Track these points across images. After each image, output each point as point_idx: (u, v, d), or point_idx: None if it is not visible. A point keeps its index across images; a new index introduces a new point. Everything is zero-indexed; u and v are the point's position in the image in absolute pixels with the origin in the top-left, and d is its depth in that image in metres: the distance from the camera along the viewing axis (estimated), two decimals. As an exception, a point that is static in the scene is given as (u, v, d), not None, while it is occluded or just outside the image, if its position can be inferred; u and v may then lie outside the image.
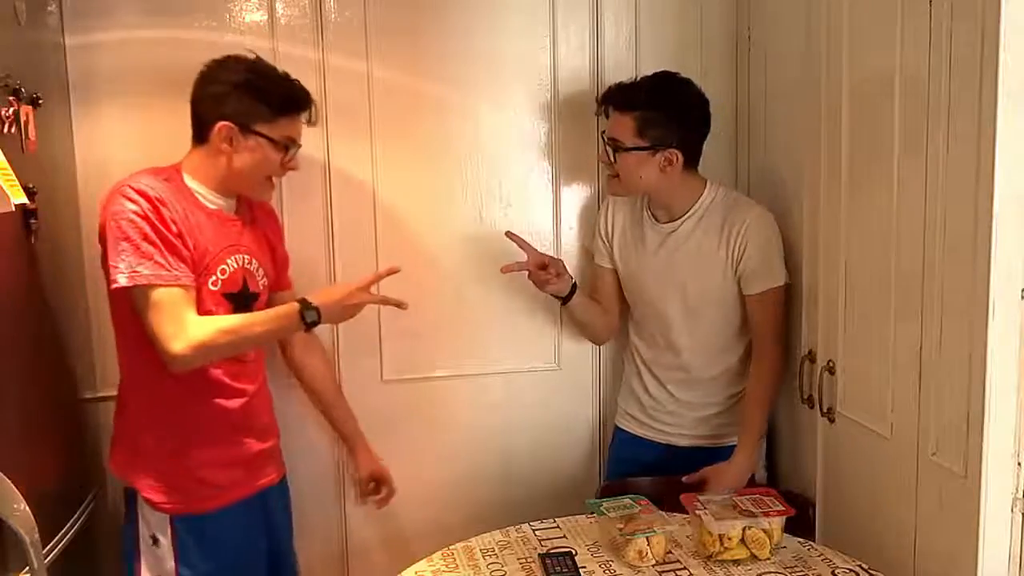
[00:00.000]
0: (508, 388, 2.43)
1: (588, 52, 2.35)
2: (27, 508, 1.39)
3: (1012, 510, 1.46)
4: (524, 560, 1.73)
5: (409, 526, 2.37)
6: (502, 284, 2.37)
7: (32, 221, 1.78)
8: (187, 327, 1.71)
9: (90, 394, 2.15)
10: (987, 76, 1.38)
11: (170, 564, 1.83)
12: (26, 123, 1.75)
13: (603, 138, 2.13)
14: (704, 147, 2.16)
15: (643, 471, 2.20)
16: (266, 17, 2.18)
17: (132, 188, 1.73)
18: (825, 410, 1.96)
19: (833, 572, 1.69)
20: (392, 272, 1.89)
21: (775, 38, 2.23)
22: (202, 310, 1.79)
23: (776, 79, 2.23)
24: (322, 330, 2.22)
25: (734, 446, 2.17)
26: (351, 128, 2.25)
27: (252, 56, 1.86)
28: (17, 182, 1.60)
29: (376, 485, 2.22)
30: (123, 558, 1.89)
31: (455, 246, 2.35)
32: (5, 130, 1.66)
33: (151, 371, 1.77)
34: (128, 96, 2.12)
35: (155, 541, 1.83)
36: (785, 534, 1.78)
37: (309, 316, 1.77)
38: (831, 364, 1.93)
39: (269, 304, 1.97)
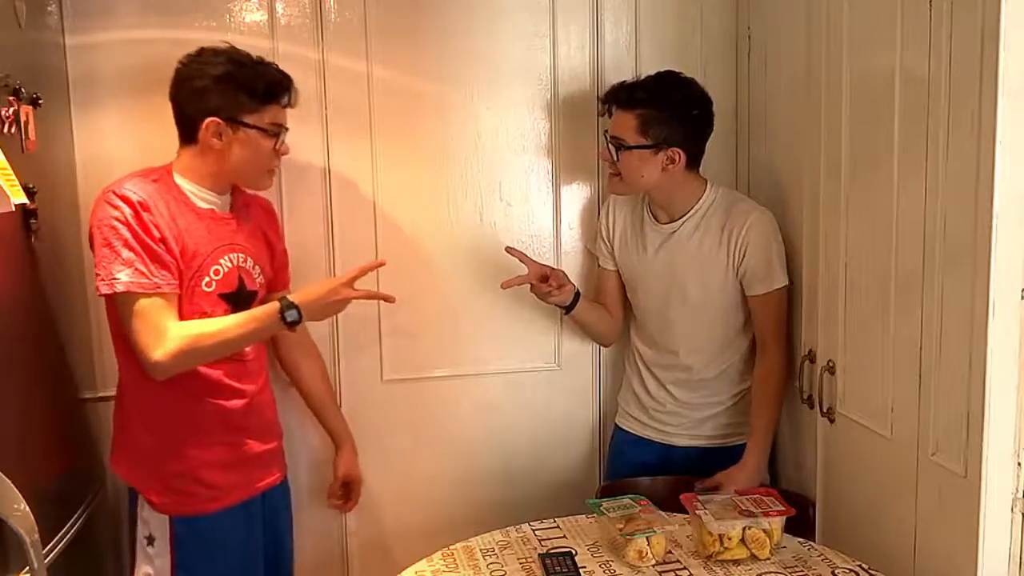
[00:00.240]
0: (508, 388, 2.43)
1: (588, 52, 2.35)
2: (27, 508, 1.39)
3: (1012, 510, 1.46)
4: (524, 560, 1.73)
5: (409, 526, 2.37)
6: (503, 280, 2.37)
7: (32, 221, 1.78)
8: (165, 335, 1.70)
9: (90, 394, 2.15)
10: (987, 76, 1.38)
11: (166, 565, 1.82)
12: (26, 123, 1.75)
13: (606, 137, 2.13)
14: (705, 147, 2.16)
15: (643, 471, 2.20)
16: (266, 17, 2.18)
17: (115, 194, 1.72)
18: (825, 410, 1.96)
19: (833, 572, 1.69)
20: (378, 266, 1.88)
21: (775, 38, 2.23)
22: (198, 312, 1.79)
23: (776, 79, 2.23)
24: (322, 331, 2.24)
25: (734, 446, 2.17)
26: (351, 128, 2.25)
27: (226, 46, 1.83)
28: (17, 182, 1.59)
29: (345, 489, 2.21)
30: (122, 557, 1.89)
31: (455, 246, 2.35)
32: (5, 130, 1.66)
33: (146, 373, 1.77)
34: (128, 96, 2.12)
35: (151, 541, 1.83)
36: (785, 534, 1.78)
37: (290, 315, 1.75)
38: (831, 364, 1.93)
39: (265, 303, 1.97)
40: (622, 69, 2.31)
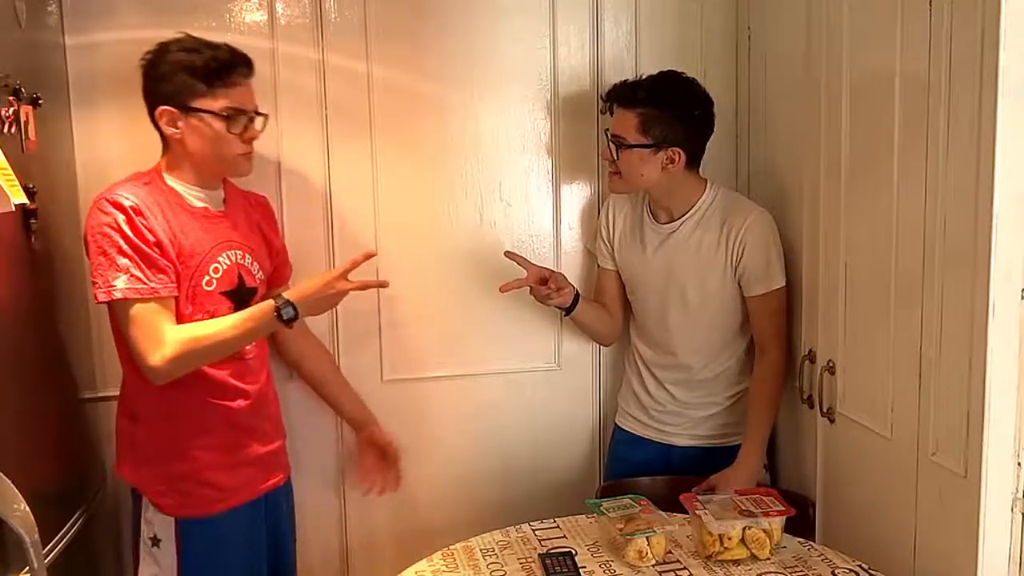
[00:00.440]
0: (508, 388, 2.43)
1: (588, 52, 2.35)
2: (27, 508, 1.39)
3: (1012, 510, 1.46)
4: (524, 560, 1.73)
5: (409, 526, 2.37)
6: (502, 283, 2.37)
7: (32, 221, 1.77)
8: (162, 339, 1.70)
9: (90, 394, 2.15)
10: (987, 76, 1.38)
11: (172, 566, 1.82)
12: (26, 123, 1.75)
13: (606, 135, 2.13)
14: (705, 147, 2.16)
15: (643, 471, 2.20)
16: (266, 17, 2.18)
17: (107, 200, 1.72)
18: (825, 410, 1.96)
19: (833, 572, 1.69)
20: (369, 256, 1.85)
21: (775, 38, 2.23)
22: (203, 312, 1.79)
23: (776, 79, 2.23)
24: (322, 331, 2.24)
25: (734, 446, 2.17)
26: (351, 128, 2.25)
27: (181, 35, 1.81)
28: (17, 182, 1.59)
29: (385, 464, 2.18)
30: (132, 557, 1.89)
31: (455, 246, 2.35)
32: (5, 130, 1.66)
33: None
34: (128, 96, 2.09)
35: (156, 542, 1.83)
36: (785, 534, 1.78)
37: (286, 313, 1.74)
38: (831, 364, 1.93)
39: (267, 299, 1.97)
40: (622, 69, 2.31)
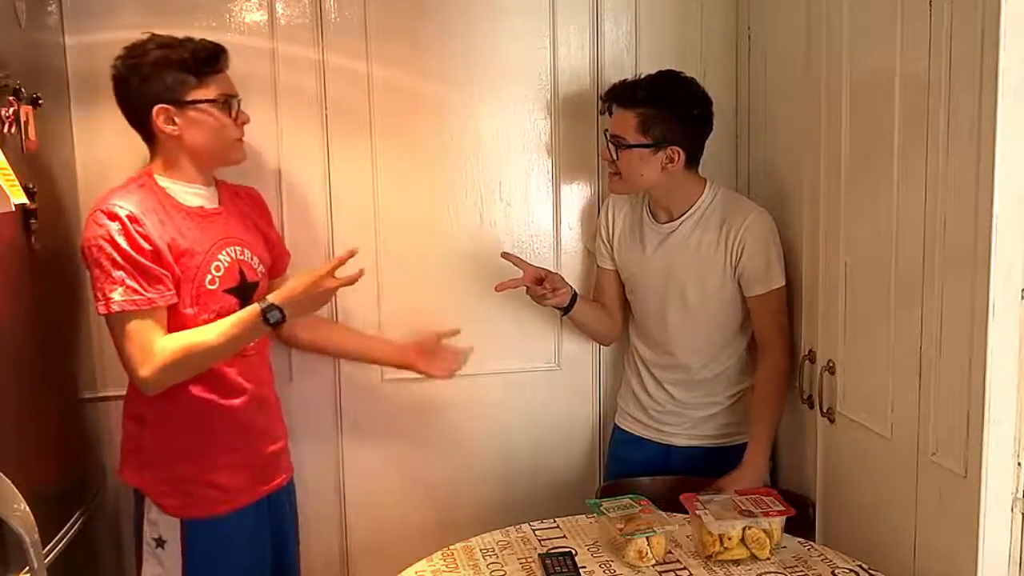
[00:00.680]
0: (508, 388, 2.43)
1: (588, 52, 2.35)
2: (27, 508, 1.39)
3: (1012, 510, 1.46)
4: (524, 560, 1.73)
5: (409, 526, 2.37)
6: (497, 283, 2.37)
7: (32, 221, 1.77)
8: (152, 351, 1.70)
9: (90, 394, 2.15)
10: (987, 76, 1.38)
11: (177, 567, 1.82)
12: (26, 123, 1.75)
13: (606, 136, 2.13)
14: (704, 146, 2.15)
15: (643, 471, 2.19)
16: (266, 17, 2.18)
17: (102, 211, 1.71)
18: (825, 410, 1.96)
19: (833, 572, 1.69)
20: (352, 254, 1.82)
21: (775, 38, 2.23)
22: (209, 312, 1.79)
23: (776, 79, 2.23)
24: (322, 330, 2.23)
25: (734, 446, 2.17)
26: (351, 128, 2.25)
27: (147, 35, 1.81)
28: (17, 182, 1.59)
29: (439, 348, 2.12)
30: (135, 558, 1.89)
31: (455, 246, 2.35)
32: (5, 130, 1.66)
33: None
34: (128, 96, 2.11)
35: (160, 544, 1.82)
36: (785, 534, 1.78)
37: (272, 316, 1.73)
38: (831, 364, 1.93)
39: (270, 291, 1.97)
40: (622, 69, 2.31)
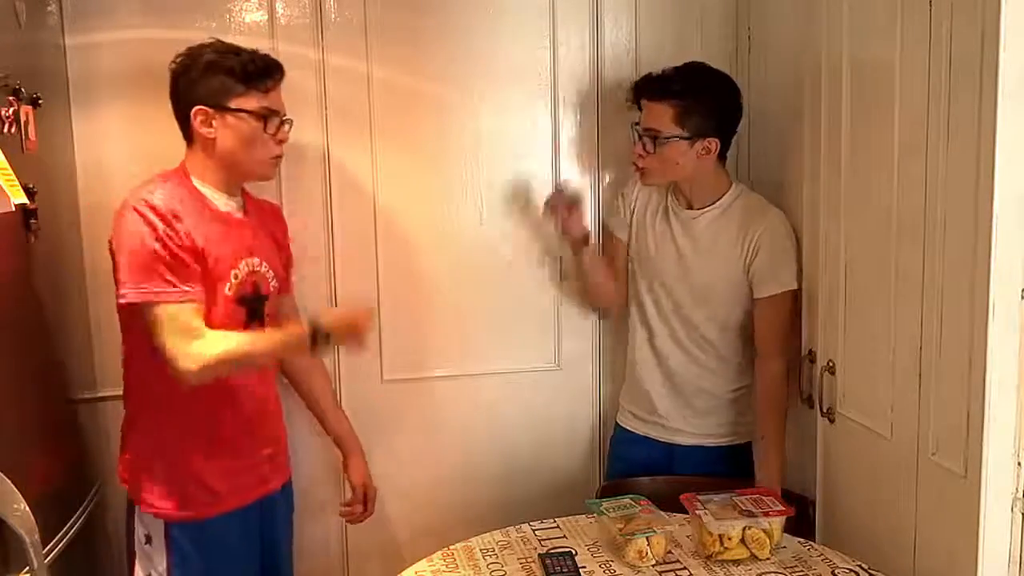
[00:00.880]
0: (508, 388, 2.43)
1: (588, 52, 2.35)
2: (27, 508, 1.39)
3: (1012, 510, 1.46)
4: (524, 560, 1.73)
5: (409, 526, 2.38)
6: (502, 284, 2.37)
7: (32, 221, 1.77)
8: (196, 345, 1.68)
9: (89, 394, 2.15)
10: (987, 76, 1.38)
11: (162, 565, 1.82)
12: (26, 123, 1.75)
13: (635, 130, 2.11)
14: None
15: (644, 470, 2.19)
16: (266, 17, 2.18)
17: (145, 202, 1.70)
18: (825, 410, 1.96)
19: (833, 572, 1.69)
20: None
21: (775, 38, 2.23)
22: (217, 316, 1.78)
23: (776, 79, 2.23)
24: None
25: (736, 447, 2.18)
26: (351, 128, 2.25)
27: (212, 39, 1.82)
28: (17, 182, 1.60)
29: (360, 499, 2.15)
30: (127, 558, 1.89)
31: (455, 246, 2.35)
32: (5, 130, 1.66)
33: (157, 377, 1.76)
34: (128, 96, 2.12)
35: (148, 540, 1.82)
36: (785, 534, 1.78)
37: (321, 340, 1.72)
38: (831, 364, 1.93)
39: (276, 306, 1.97)
40: (622, 69, 2.31)
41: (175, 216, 1.71)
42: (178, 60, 1.81)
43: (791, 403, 2.14)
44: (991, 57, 1.37)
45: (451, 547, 1.78)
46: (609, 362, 2.48)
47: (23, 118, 1.73)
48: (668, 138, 2.05)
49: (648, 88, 2.09)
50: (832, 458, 1.98)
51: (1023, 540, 1.47)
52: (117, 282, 1.71)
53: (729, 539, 1.72)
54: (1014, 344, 1.42)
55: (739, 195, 2.15)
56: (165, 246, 1.68)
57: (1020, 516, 1.46)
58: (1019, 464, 1.45)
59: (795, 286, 2.10)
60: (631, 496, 1.85)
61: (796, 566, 1.71)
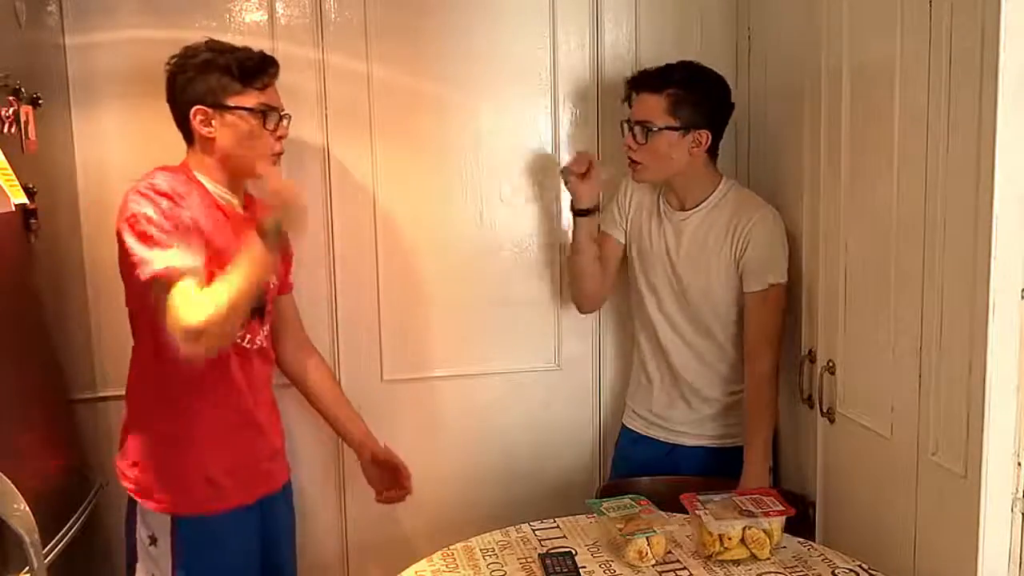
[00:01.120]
0: (508, 388, 2.43)
1: (588, 52, 2.35)
2: (27, 508, 1.39)
3: (1012, 510, 1.46)
4: (524, 560, 1.73)
5: (409, 526, 2.38)
6: (502, 284, 2.37)
7: (32, 221, 1.78)
8: (196, 303, 1.62)
9: (90, 394, 2.15)
10: (987, 76, 1.38)
11: (167, 565, 1.82)
12: (26, 123, 1.75)
13: (627, 125, 2.12)
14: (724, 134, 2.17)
15: (648, 471, 2.19)
16: (266, 17, 2.18)
17: (148, 185, 1.70)
18: (825, 410, 1.96)
19: (833, 572, 1.69)
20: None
21: (775, 38, 2.23)
22: None
23: (776, 78, 2.23)
24: (322, 331, 2.24)
25: (738, 447, 2.17)
26: (351, 128, 2.25)
27: (206, 39, 1.82)
28: (17, 182, 1.60)
29: (395, 477, 2.13)
30: (125, 560, 1.88)
31: (455, 246, 2.35)
32: (5, 130, 1.66)
33: (162, 369, 1.76)
34: (128, 96, 2.12)
35: (153, 541, 1.82)
36: (785, 534, 1.78)
37: (268, 225, 1.66)
38: (831, 364, 1.93)
39: (275, 305, 1.97)
40: (622, 69, 2.31)
41: (179, 195, 1.70)
42: (173, 61, 1.80)
43: (791, 403, 2.14)
44: (991, 57, 1.37)
45: (451, 547, 1.78)
46: (609, 362, 2.48)
47: (23, 118, 1.73)
48: (660, 129, 2.06)
49: (641, 81, 2.11)
50: (832, 458, 1.97)
51: (1023, 540, 1.47)
52: (130, 265, 1.67)
53: (729, 539, 1.72)
54: (1014, 344, 1.42)
55: (729, 190, 2.15)
56: (169, 218, 1.67)
57: (1020, 516, 1.46)
58: (1019, 464, 1.45)
59: (783, 280, 2.10)
60: (631, 496, 1.85)
61: (796, 566, 1.71)
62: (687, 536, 1.81)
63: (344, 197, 2.27)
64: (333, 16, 2.21)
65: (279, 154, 1.86)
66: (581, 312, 2.39)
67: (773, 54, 2.24)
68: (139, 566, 1.84)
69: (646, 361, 2.28)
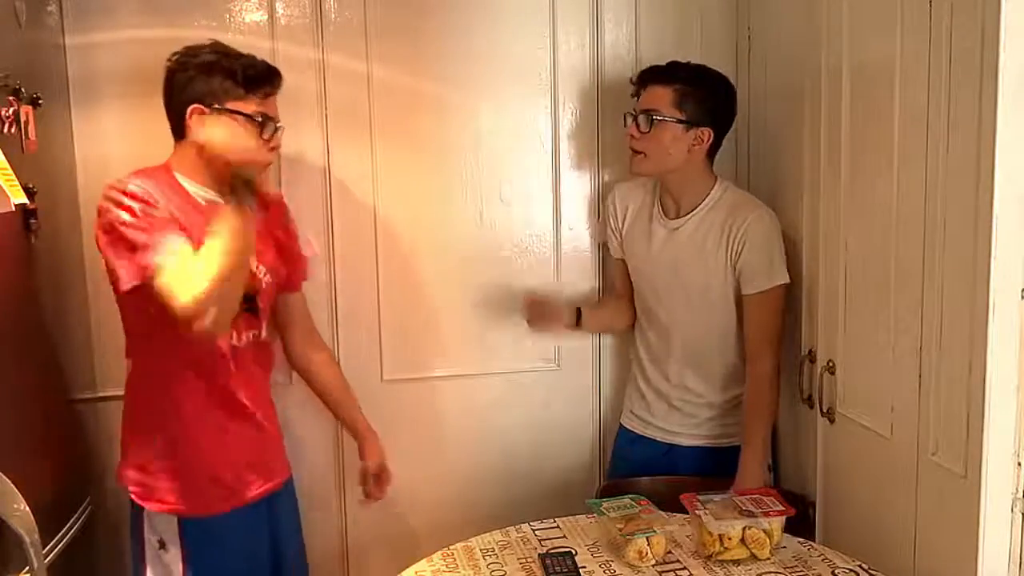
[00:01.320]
0: (508, 388, 2.43)
1: (588, 52, 2.35)
2: (27, 508, 1.39)
3: (1012, 510, 1.46)
4: (524, 560, 1.73)
5: (409, 526, 2.38)
6: (502, 284, 2.37)
7: (32, 221, 1.78)
8: (187, 283, 1.59)
9: (89, 394, 2.15)
10: (987, 76, 1.38)
11: (178, 566, 1.81)
12: (26, 123, 1.75)
13: (631, 115, 2.12)
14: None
15: (646, 471, 2.19)
16: (266, 17, 2.18)
17: (115, 189, 1.67)
18: (825, 410, 1.96)
19: (833, 572, 1.69)
20: None
21: (775, 38, 2.23)
22: None
23: (776, 78, 2.23)
24: (322, 331, 2.23)
25: (736, 445, 2.17)
26: (351, 128, 2.25)
27: (210, 40, 1.82)
28: (17, 182, 1.60)
29: (376, 479, 2.14)
30: (132, 565, 1.88)
31: (455, 246, 2.35)
32: (5, 130, 1.66)
33: (162, 370, 1.76)
34: (128, 96, 2.12)
35: (162, 546, 1.82)
36: (785, 534, 1.78)
37: (242, 193, 1.62)
38: (831, 364, 1.93)
39: (277, 304, 1.96)
40: (622, 69, 2.31)
41: (149, 197, 1.67)
42: (175, 58, 1.80)
43: (791, 403, 2.14)
44: (991, 57, 1.37)
45: (451, 547, 1.78)
46: (609, 362, 2.48)
47: (23, 118, 1.73)
48: (665, 119, 2.06)
49: (651, 74, 2.12)
50: (832, 458, 1.97)
51: (1023, 540, 1.47)
52: (114, 276, 1.67)
53: (729, 539, 1.72)
54: (1014, 344, 1.42)
55: (724, 192, 2.15)
56: (143, 218, 1.64)
57: (1020, 516, 1.46)
58: (1019, 464, 1.45)
59: (781, 281, 2.10)
60: (631, 496, 1.85)
61: (796, 566, 1.71)
62: (687, 536, 1.81)
63: (344, 197, 2.27)
64: (333, 16, 2.21)
65: (268, 164, 1.84)
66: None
67: (773, 54, 2.24)
68: (148, 570, 1.84)
69: (644, 364, 2.28)
